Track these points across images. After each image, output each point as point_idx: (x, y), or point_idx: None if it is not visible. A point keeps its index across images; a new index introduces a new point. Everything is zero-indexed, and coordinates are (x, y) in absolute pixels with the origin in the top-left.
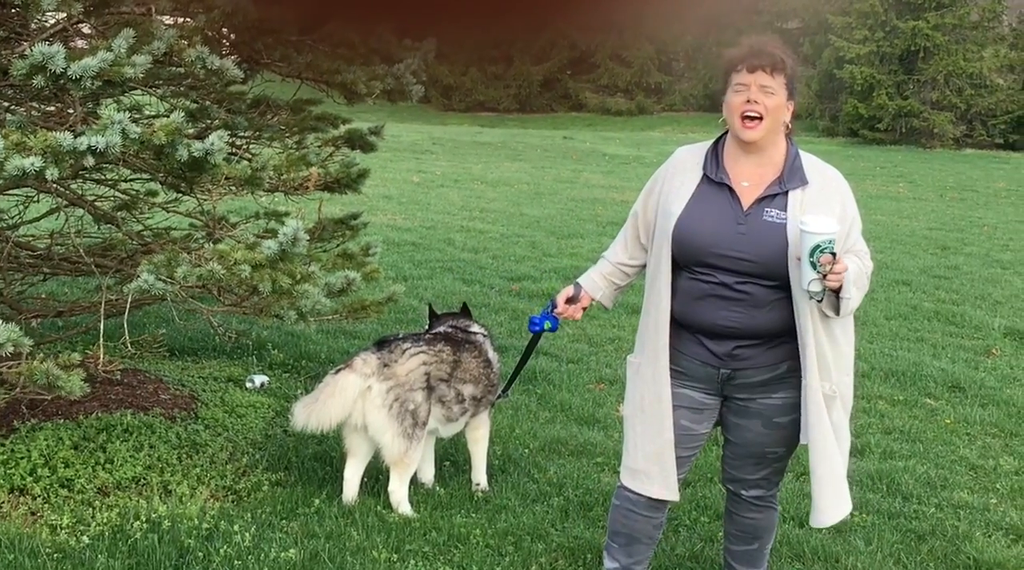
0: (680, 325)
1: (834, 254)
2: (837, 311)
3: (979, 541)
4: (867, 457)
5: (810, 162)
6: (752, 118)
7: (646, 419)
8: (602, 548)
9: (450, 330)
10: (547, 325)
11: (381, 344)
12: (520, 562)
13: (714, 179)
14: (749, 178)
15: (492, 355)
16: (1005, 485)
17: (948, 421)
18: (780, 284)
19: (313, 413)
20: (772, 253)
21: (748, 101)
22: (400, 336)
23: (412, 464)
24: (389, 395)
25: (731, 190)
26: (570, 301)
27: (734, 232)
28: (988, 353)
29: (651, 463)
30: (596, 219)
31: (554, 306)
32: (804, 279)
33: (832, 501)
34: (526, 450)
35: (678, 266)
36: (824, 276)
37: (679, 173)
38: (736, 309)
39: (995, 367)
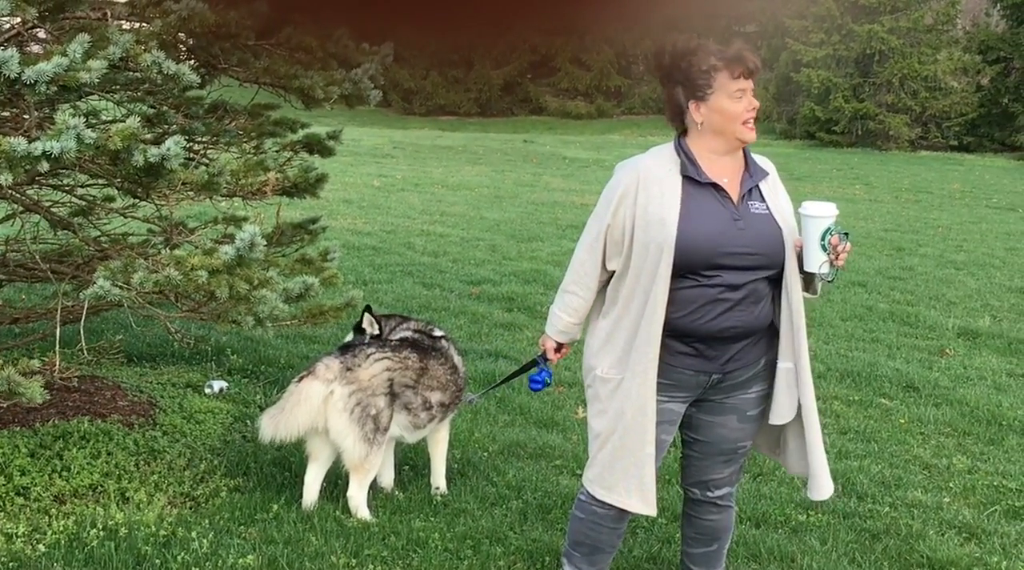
0: (670, 336)
1: (846, 234)
2: (815, 291)
3: (932, 540)
4: None
5: (754, 155)
6: (751, 122)
7: (628, 433)
8: (560, 553)
9: (416, 336)
10: (547, 380)
11: (345, 349)
12: (479, 565)
13: (700, 180)
14: (725, 175)
15: (457, 360)
16: (958, 484)
17: (902, 421)
18: (775, 275)
19: (281, 424)
20: (773, 243)
21: (753, 107)
22: (366, 341)
23: (372, 469)
24: (351, 399)
25: (717, 189)
26: (558, 348)
27: (735, 229)
28: (942, 353)
29: (630, 478)
30: (556, 222)
31: (545, 359)
32: (814, 262)
33: (827, 472)
34: (485, 453)
35: (677, 274)
36: (838, 256)
37: (653, 181)
38: (740, 309)
39: (949, 367)
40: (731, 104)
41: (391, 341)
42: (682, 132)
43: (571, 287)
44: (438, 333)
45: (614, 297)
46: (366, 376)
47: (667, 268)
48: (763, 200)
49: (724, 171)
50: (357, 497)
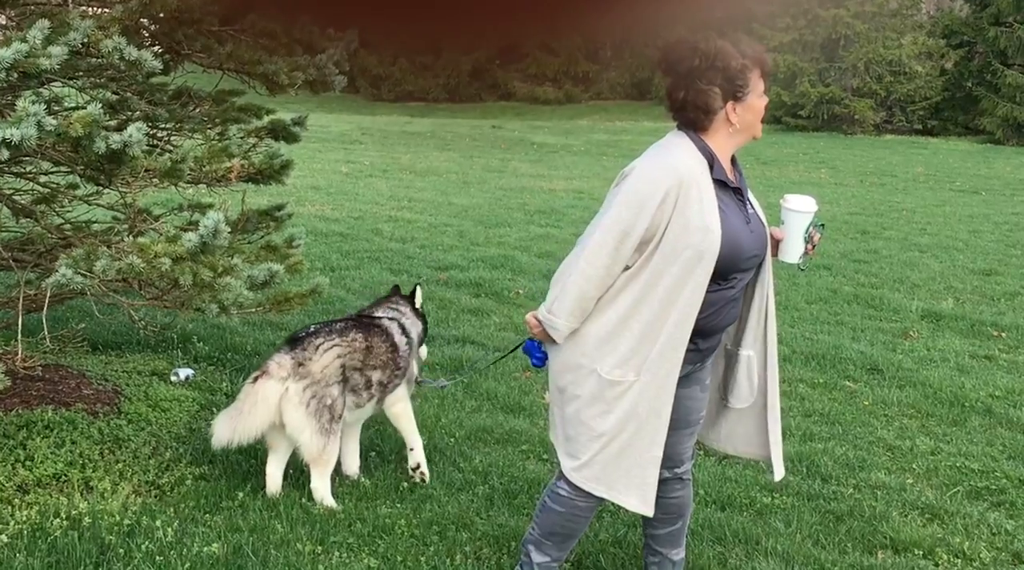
0: None
1: (823, 225)
2: None
3: (896, 521)
4: (787, 440)
5: None
6: None
7: (638, 435)
8: (522, 539)
9: (356, 317)
10: (546, 351)
11: (294, 342)
12: (445, 551)
13: (729, 184)
14: (731, 177)
15: (399, 339)
16: (921, 465)
17: (867, 403)
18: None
19: (239, 426)
20: (765, 243)
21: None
22: (311, 329)
23: (331, 459)
24: (306, 393)
25: (736, 193)
26: None
27: (748, 232)
28: (906, 335)
29: (632, 477)
30: (524, 208)
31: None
32: (794, 254)
33: (781, 456)
34: (452, 439)
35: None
36: (814, 247)
37: (693, 184)
38: (737, 305)
39: (912, 349)
40: (760, 102)
41: (336, 325)
42: (697, 130)
43: (593, 292)
44: (380, 313)
45: (615, 295)
46: (318, 368)
47: (705, 275)
48: (748, 199)
49: (731, 173)
50: (321, 488)
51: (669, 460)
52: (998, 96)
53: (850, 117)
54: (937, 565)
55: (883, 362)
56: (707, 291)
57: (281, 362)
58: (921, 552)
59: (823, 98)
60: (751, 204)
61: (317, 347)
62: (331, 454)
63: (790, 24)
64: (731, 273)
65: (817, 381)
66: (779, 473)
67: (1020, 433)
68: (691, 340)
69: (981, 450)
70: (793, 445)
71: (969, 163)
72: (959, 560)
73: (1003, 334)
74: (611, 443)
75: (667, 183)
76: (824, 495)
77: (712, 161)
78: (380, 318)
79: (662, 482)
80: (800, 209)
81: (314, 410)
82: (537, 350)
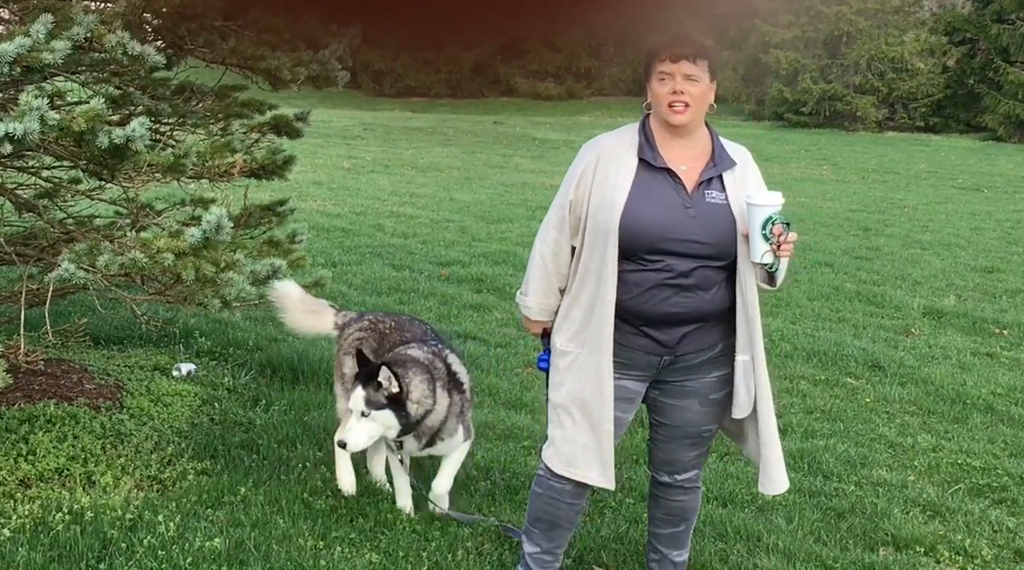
0: (620, 317)
1: (788, 224)
2: (774, 283)
3: (897, 518)
4: (789, 436)
5: (728, 144)
6: (679, 105)
7: (586, 409)
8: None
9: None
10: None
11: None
12: (446, 546)
13: (655, 165)
14: (684, 162)
15: (428, 365)
16: (923, 462)
17: (868, 400)
18: (726, 264)
19: (302, 306)
20: (723, 234)
21: (674, 91)
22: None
23: (340, 417)
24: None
25: (671, 174)
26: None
27: (684, 216)
28: (907, 332)
29: (589, 452)
30: (526, 203)
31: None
32: (757, 252)
33: (782, 467)
34: None
35: (624, 257)
36: (779, 246)
37: (612, 160)
38: (687, 295)
39: (914, 346)
40: (658, 86)
41: (378, 312)
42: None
43: (551, 268)
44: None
45: (572, 273)
46: (344, 335)
47: (614, 250)
48: (723, 190)
49: (681, 157)
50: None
51: (668, 466)
52: (1000, 93)
53: (852, 114)
54: (938, 562)
55: (885, 359)
56: (629, 269)
57: (342, 313)
58: (922, 549)
59: (825, 95)
60: (720, 193)
61: (353, 318)
62: (339, 412)
63: (792, 21)
64: (648, 253)
65: (818, 378)
66: (771, 486)
67: (1022, 430)
68: (639, 327)
69: (983, 447)
70: (795, 442)
71: (971, 160)
72: (960, 557)
73: (1005, 331)
74: (564, 419)
75: (587, 158)
76: (826, 492)
77: (642, 140)
78: (449, 353)
79: (663, 485)
80: (755, 202)
81: (336, 367)
82: (543, 354)
